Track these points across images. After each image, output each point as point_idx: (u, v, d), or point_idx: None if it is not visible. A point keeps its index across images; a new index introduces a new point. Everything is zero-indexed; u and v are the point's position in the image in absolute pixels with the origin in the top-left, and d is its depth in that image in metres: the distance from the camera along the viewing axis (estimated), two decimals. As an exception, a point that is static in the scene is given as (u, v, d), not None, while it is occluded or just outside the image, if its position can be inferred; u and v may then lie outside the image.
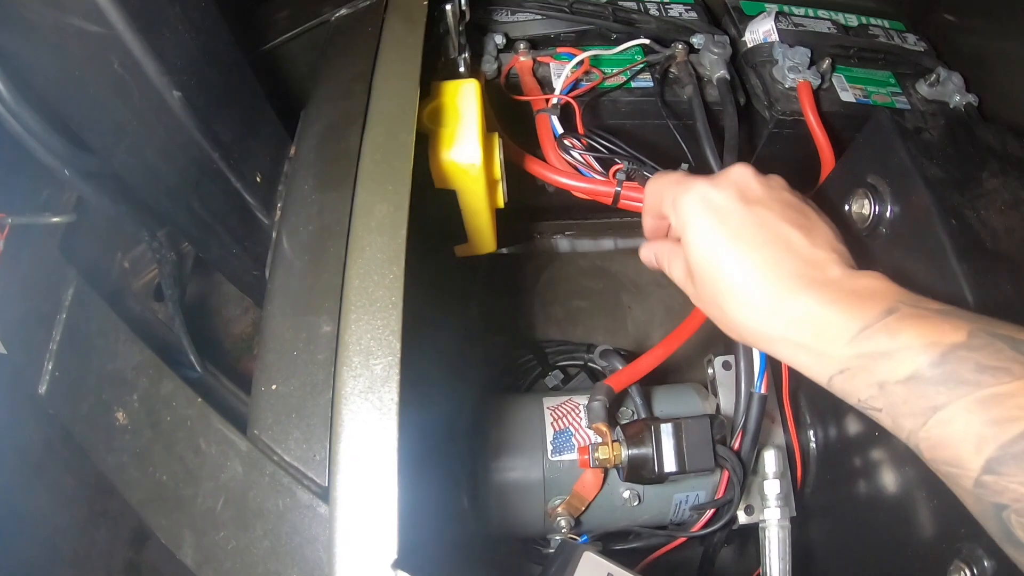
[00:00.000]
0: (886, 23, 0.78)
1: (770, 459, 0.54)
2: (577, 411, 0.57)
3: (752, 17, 0.73)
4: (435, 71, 0.56)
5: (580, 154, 0.58)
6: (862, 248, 0.52)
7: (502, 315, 0.85)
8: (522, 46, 0.65)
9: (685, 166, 0.65)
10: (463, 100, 0.46)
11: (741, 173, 0.39)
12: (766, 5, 0.76)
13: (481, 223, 0.51)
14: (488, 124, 0.53)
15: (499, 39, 0.65)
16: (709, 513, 0.54)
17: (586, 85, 0.64)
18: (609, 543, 0.58)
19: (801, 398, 0.61)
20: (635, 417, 0.57)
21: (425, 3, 0.45)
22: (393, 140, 0.36)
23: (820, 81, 0.67)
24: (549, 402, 0.59)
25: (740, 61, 0.72)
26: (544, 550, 0.66)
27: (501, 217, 0.57)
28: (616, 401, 0.55)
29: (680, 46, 0.66)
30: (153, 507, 0.50)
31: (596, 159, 0.58)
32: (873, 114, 0.53)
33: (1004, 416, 0.28)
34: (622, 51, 0.66)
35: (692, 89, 0.65)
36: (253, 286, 0.62)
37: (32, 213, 0.65)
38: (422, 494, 0.48)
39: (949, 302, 0.33)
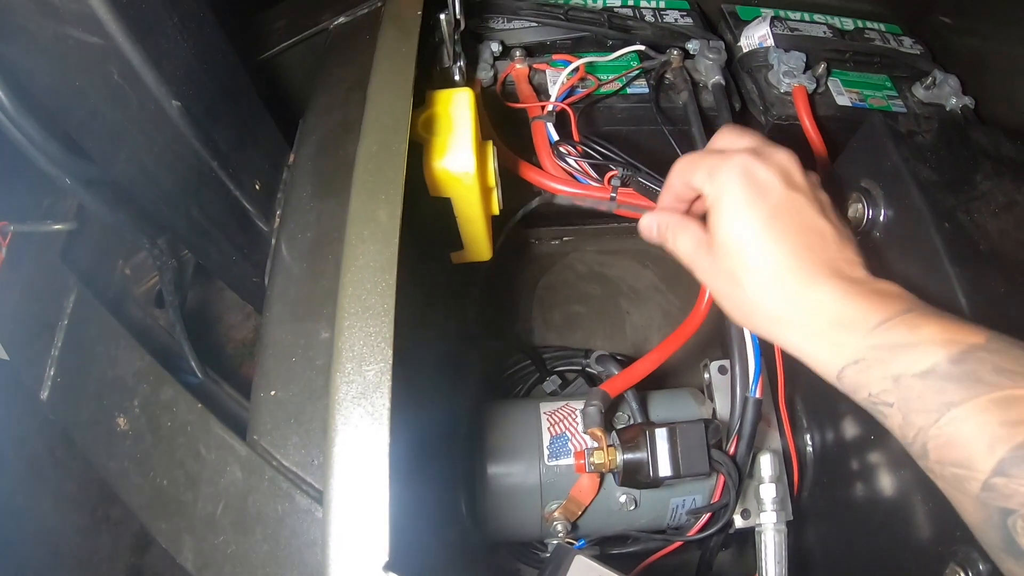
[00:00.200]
0: (882, 26, 0.78)
1: (766, 463, 0.54)
2: (573, 416, 0.58)
3: (747, 22, 0.74)
4: (430, 80, 0.56)
5: (576, 160, 0.59)
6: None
7: (500, 320, 0.85)
8: (518, 53, 0.65)
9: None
10: (457, 109, 0.46)
11: (787, 158, 0.39)
12: (761, 10, 0.76)
13: (476, 230, 0.51)
14: (483, 132, 0.54)
15: (495, 47, 0.66)
16: (705, 517, 0.54)
17: (581, 92, 0.64)
18: (606, 547, 0.58)
19: (797, 402, 0.62)
20: (631, 422, 0.57)
21: (419, 12, 0.45)
22: (386, 150, 0.36)
23: (816, 85, 0.68)
24: (546, 407, 0.59)
25: (736, 66, 0.72)
26: (541, 554, 0.66)
27: (497, 224, 0.58)
28: (612, 406, 0.56)
29: (675, 52, 0.66)
30: (153, 512, 0.50)
31: (592, 165, 0.59)
32: (866, 118, 0.53)
33: (1020, 418, 0.28)
34: (618, 57, 0.66)
35: (687, 95, 0.65)
36: (253, 293, 0.63)
37: (34, 221, 0.66)
38: (417, 498, 0.48)
39: (943, 306, 0.33)
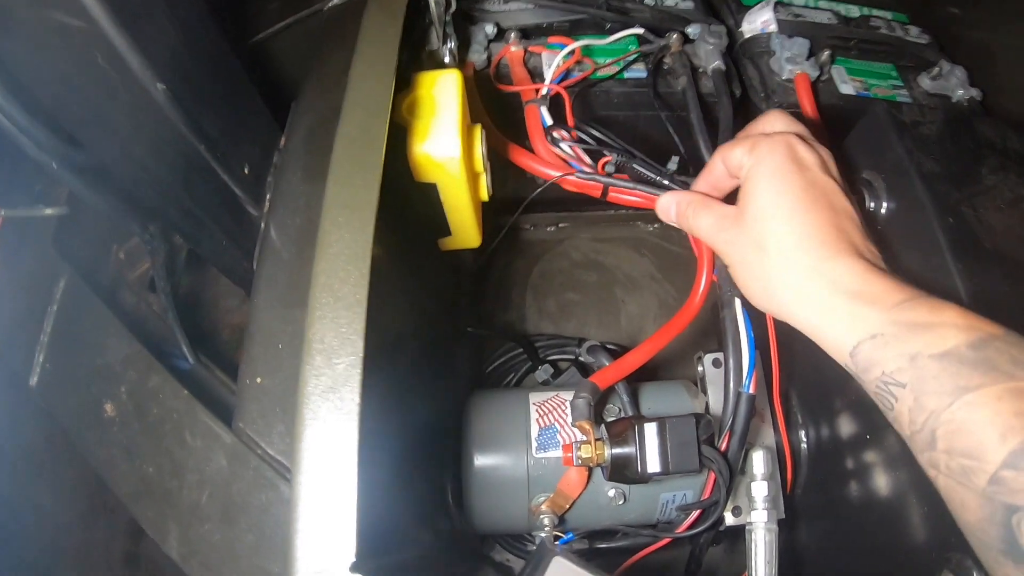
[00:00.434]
0: (888, 15, 0.76)
1: (758, 460, 0.53)
2: (563, 407, 0.57)
3: (750, 7, 0.72)
4: (419, 62, 0.55)
5: (569, 146, 0.57)
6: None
7: (493, 308, 0.84)
8: (513, 36, 0.63)
9: (675, 159, 0.64)
10: (443, 91, 0.45)
11: (828, 152, 0.41)
12: (765, -6, 0.74)
13: (464, 217, 0.50)
14: (473, 115, 0.52)
15: (490, 29, 0.64)
16: (695, 514, 0.53)
17: (577, 75, 0.63)
18: (595, 541, 0.57)
19: (793, 397, 0.61)
20: (621, 415, 0.56)
21: (406, -7, 0.44)
22: (365, 134, 0.35)
23: (819, 73, 0.66)
24: (535, 398, 0.58)
25: (737, 52, 0.71)
26: (531, 546, 0.65)
27: (488, 210, 0.57)
28: (603, 398, 0.55)
29: (675, 36, 0.64)
30: (140, 500, 0.50)
31: (586, 151, 0.57)
32: (870, 107, 0.52)
33: None
34: (615, 41, 0.65)
35: (686, 80, 0.63)
36: (245, 278, 0.62)
37: (25, 206, 0.66)
38: (402, 488, 0.48)
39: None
